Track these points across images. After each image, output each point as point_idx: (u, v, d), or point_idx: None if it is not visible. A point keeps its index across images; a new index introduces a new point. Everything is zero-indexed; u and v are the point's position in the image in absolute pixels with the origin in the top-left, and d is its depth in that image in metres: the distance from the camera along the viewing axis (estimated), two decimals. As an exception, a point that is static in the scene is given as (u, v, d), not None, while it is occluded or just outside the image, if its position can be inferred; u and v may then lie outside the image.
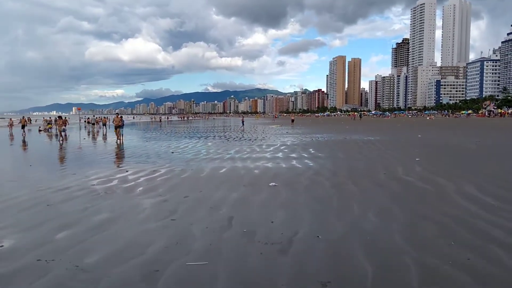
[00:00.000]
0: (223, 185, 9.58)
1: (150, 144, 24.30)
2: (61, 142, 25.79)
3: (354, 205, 7.47)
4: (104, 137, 31.94)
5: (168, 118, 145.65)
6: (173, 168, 12.82)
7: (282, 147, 20.56)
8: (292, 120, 61.57)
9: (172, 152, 18.28)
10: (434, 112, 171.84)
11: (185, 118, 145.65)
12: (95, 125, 46.38)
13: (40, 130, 42.39)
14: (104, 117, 59.44)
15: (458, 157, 15.31)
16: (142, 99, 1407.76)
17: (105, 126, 46.45)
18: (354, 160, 14.48)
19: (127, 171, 12.17)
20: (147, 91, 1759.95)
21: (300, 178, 10.51)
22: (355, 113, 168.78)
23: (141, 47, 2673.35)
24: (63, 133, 28.09)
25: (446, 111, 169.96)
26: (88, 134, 36.07)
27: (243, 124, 45.82)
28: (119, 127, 25.20)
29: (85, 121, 55.29)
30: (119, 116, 26.68)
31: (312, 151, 18.11)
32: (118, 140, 24.60)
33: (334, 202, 7.77)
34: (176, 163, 14.09)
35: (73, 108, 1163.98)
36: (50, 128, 44.64)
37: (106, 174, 11.56)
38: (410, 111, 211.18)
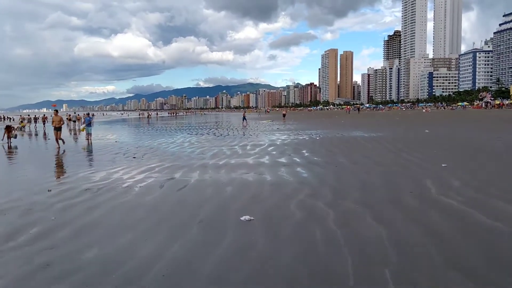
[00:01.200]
0: (166, 223, 6.06)
1: (119, 144, 20.76)
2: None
3: (386, 272, 4.00)
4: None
5: (157, 114, 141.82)
6: (116, 185, 9.28)
7: (270, 148, 17.09)
8: (284, 115, 58.02)
9: (134, 157, 14.72)
10: (429, 104, 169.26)
11: (175, 114, 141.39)
12: (76, 123, 44.33)
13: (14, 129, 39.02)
14: (88, 114, 55.70)
15: (494, 160, 11.91)
16: (133, 95, 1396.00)
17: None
18: (362, 169, 11.02)
19: (49, 190, 8.65)
20: (138, 87, 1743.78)
21: (289, 205, 7.02)
22: (350, 106, 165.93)
23: (131, 43, 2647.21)
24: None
25: (441, 103, 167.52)
26: (70, 132, 33.48)
27: (245, 120, 42.58)
28: (59, 129, 20.05)
29: (67, 118, 52.21)
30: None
31: (306, 154, 14.67)
32: (87, 140, 22.42)
33: (345, 265, 4.28)
34: (129, 175, 10.56)
35: (64, 105, 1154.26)
36: (24, 127, 41.51)
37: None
38: (404, 104, 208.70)
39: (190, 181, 9.64)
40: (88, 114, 26.44)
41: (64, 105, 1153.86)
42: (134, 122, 64.70)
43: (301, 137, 23.27)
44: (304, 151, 15.59)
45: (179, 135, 28.00)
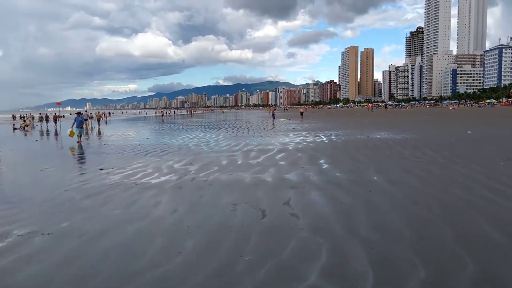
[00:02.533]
0: None
1: (109, 145, 17.63)
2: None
3: None
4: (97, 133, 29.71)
5: (174, 112, 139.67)
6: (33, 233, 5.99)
7: (279, 156, 13.61)
8: (301, 113, 54.06)
9: (106, 172, 11.48)
10: (454, 101, 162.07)
11: (191, 113, 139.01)
12: (88, 121, 41.89)
13: (15, 129, 37.32)
14: (99, 112, 53.98)
15: None
16: (154, 93, 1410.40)
17: (99, 122, 42.56)
18: (408, 194, 7.42)
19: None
20: (159, 86, 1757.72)
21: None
22: (372, 104, 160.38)
23: (152, 42, 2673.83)
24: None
25: (466, 100, 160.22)
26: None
27: (273, 117, 39.31)
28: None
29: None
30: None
31: (324, 165, 11.16)
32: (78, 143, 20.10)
33: None
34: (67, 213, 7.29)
35: (87, 103, 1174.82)
36: (27, 125, 39.65)
37: None
38: (427, 101, 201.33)
39: (139, 225, 6.25)
40: (79, 113, 23.35)
41: (87, 103, 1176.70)
42: (149, 121, 62.14)
43: (319, 140, 19.68)
44: (322, 161, 12.06)
45: (185, 135, 24.89)
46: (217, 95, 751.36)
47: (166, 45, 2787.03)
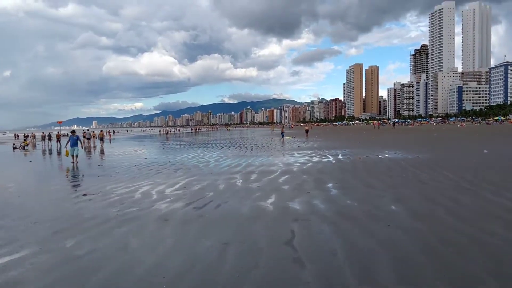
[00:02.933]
0: None
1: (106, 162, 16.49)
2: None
3: None
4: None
5: (179, 130, 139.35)
6: None
7: (282, 179, 12.41)
8: (306, 131, 52.91)
9: (89, 199, 10.31)
10: (461, 119, 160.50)
11: (195, 130, 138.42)
12: (91, 140, 42.16)
13: (15, 148, 36.25)
14: (101, 131, 53.17)
15: None
16: (160, 111, 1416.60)
17: (102, 140, 40.63)
18: (437, 232, 6.18)
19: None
20: (165, 104, 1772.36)
21: None
22: (378, 121, 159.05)
23: (158, 61, 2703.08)
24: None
25: (474, 117, 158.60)
26: (85, 150, 30.55)
27: (283, 136, 38.62)
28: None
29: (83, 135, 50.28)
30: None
31: (333, 191, 9.92)
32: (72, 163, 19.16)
33: None
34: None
35: (93, 122, 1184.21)
36: (27, 145, 38.84)
37: None
38: (434, 119, 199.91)
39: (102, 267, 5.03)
40: (74, 132, 22.19)
41: (94, 122, 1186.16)
42: (153, 139, 61.28)
43: (325, 160, 18.45)
44: (329, 185, 10.84)
45: (185, 154, 23.76)
46: (222, 113, 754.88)
47: (171, 63, 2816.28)
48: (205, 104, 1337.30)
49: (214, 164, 17.79)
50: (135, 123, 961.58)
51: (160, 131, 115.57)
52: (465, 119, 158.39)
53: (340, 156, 20.12)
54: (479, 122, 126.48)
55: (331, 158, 19.11)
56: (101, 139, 41.05)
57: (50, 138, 45.42)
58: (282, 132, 41.56)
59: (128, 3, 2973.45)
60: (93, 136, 44.93)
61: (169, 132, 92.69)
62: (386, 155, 19.95)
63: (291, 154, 22.79)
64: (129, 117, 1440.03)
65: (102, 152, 30.08)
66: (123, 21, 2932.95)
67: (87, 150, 31.60)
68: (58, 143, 41.25)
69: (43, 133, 48.46)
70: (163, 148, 33.47)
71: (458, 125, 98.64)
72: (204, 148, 31.62)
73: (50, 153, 30.27)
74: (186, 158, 21.98)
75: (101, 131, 54.19)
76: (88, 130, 51.46)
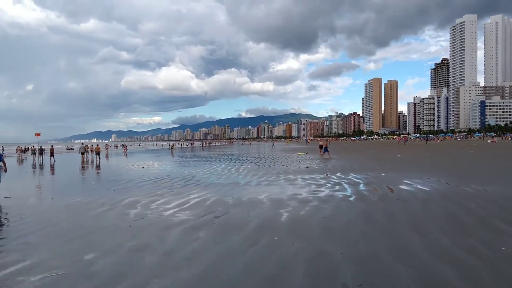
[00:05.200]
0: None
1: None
2: None
3: None
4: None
5: (192, 144, 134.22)
6: None
7: (251, 251, 6.09)
8: (321, 146, 46.10)
9: None
10: (491, 134, 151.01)
11: (204, 145, 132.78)
12: (85, 155, 39.15)
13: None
14: (97, 145, 48.22)
15: None
16: (178, 125, 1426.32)
17: (98, 155, 38.09)
18: None
19: None
20: (183, 118, 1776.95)
21: None
22: (404, 136, 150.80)
23: (175, 75, 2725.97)
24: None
25: (505, 133, 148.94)
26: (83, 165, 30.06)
27: (326, 151, 32.87)
28: None
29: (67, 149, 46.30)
30: None
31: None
32: None
33: None
34: None
35: (113, 135, 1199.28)
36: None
37: None
38: (457, 134, 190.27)
39: None
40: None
41: (113, 135, 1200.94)
42: (156, 153, 56.03)
43: (339, 193, 12.03)
44: (347, 282, 4.51)
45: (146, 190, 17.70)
46: (239, 127, 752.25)
47: (189, 78, 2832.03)
48: (223, 118, 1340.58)
49: (186, 193, 11.58)
50: (154, 137, 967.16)
51: (169, 145, 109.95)
52: (494, 134, 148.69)
53: (361, 186, 13.65)
54: (511, 138, 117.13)
55: (348, 191, 12.66)
56: (97, 153, 38.50)
57: (42, 152, 41.23)
58: (326, 147, 34.86)
59: (147, 19, 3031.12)
60: (91, 151, 42.13)
61: (173, 146, 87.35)
62: (431, 185, 13.38)
63: (293, 179, 16.39)
64: (148, 131, 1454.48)
65: (98, 167, 28.06)
66: (143, 36, 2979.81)
67: (82, 165, 29.72)
68: (52, 157, 37.22)
69: (33, 146, 44.07)
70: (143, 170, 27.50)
71: (489, 141, 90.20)
72: (197, 166, 25.43)
73: (34, 167, 27.63)
74: (159, 188, 15.85)
75: (97, 145, 49.36)
76: (83, 144, 46.54)
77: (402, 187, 13.25)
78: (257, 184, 14.94)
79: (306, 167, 23.55)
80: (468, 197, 10.75)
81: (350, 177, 17.01)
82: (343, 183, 14.83)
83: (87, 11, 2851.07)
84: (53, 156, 37.97)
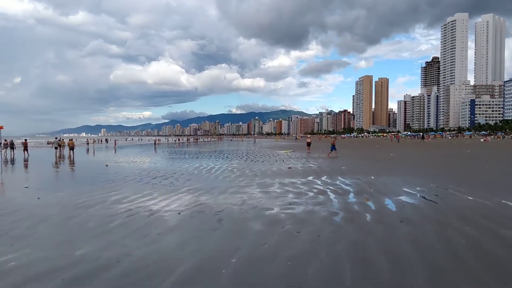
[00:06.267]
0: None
1: None
2: None
3: None
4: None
5: (178, 139, 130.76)
6: None
7: None
8: (308, 144, 43.20)
9: None
10: (483, 132, 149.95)
11: (194, 141, 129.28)
12: (58, 149, 37.05)
13: None
14: (70, 140, 45.17)
15: None
16: (168, 121, 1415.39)
17: (73, 150, 36.41)
18: None
19: None
20: (173, 113, 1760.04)
21: None
22: (397, 134, 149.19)
23: (165, 69, 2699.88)
24: None
25: (496, 131, 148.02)
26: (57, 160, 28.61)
27: (334, 150, 28.86)
28: None
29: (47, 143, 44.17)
30: None
31: None
32: None
33: None
34: None
35: (102, 130, 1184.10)
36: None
37: None
38: (447, 132, 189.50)
39: None
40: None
41: (102, 130, 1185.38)
42: (139, 148, 53.14)
43: (321, 209, 9.08)
44: None
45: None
46: (230, 123, 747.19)
47: (179, 73, 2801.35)
48: (213, 114, 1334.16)
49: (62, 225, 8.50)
50: (144, 132, 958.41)
51: (154, 140, 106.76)
52: (486, 133, 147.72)
53: (351, 197, 10.72)
54: (502, 137, 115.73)
55: (334, 205, 9.68)
56: (71, 148, 36.93)
57: (12, 147, 38.35)
58: (333, 145, 30.81)
59: (136, 11, 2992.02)
60: (61, 145, 39.65)
61: (156, 141, 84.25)
62: (442, 197, 10.49)
63: (268, 185, 13.40)
64: (138, 126, 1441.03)
65: (71, 162, 26.98)
66: (132, 29, 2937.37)
67: (55, 160, 28.54)
68: (26, 152, 34.53)
69: (5, 140, 40.86)
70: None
71: (482, 140, 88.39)
72: (154, 163, 22.33)
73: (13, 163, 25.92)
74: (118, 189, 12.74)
75: (70, 140, 46.46)
76: (56, 138, 43.47)
77: (404, 198, 10.34)
78: (223, 192, 11.92)
79: (289, 167, 20.60)
80: (482, 211, 7.88)
81: (338, 182, 14.07)
82: (328, 191, 11.88)
83: (75, 3, 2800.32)
84: (26, 151, 35.27)
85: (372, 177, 15.21)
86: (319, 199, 10.44)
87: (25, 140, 41.72)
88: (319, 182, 14.12)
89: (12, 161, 27.97)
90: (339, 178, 15.33)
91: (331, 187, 12.65)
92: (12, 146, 38.29)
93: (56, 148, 37.05)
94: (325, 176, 15.92)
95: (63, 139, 48.17)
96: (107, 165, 23.52)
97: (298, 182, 14.19)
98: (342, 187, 12.69)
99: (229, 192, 11.86)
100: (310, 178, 15.45)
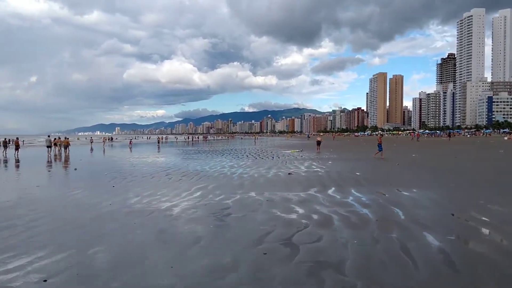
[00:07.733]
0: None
1: None
2: None
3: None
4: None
5: (188, 137, 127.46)
6: None
7: None
8: (318, 143, 38.76)
9: None
10: (505, 130, 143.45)
11: (198, 139, 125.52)
12: (51, 148, 35.44)
13: None
14: (66, 139, 42.62)
15: None
16: (182, 119, 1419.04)
17: (67, 149, 37.51)
18: None
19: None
20: (186, 112, 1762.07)
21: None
22: (417, 132, 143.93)
23: (178, 68, 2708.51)
24: None
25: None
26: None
27: (380, 149, 24.28)
28: None
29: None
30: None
31: None
32: None
33: None
34: None
35: (116, 128, 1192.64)
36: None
37: None
38: (466, 130, 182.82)
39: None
40: None
41: (116, 128, 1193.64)
42: (143, 147, 51.42)
43: (316, 280, 4.99)
44: None
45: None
46: (242, 121, 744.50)
47: (191, 71, 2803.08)
48: (226, 112, 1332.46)
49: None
50: (157, 130, 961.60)
51: (158, 139, 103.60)
52: (507, 130, 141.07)
53: (372, 230, 6.55)
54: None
55: (342, 249, 5.56)
56: (65, 147, 37.55)
57: (5, 145, 36.07)
58: (380, 143, 26.19)
59: (150, 10, 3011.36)
60: (55, 144, 38.28)
61: (161, 140, 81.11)
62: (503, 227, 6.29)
63: (249, 204, 9.32)
64: (151, 124, 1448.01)
65: (65, 161, 26.27)
66: (146, 28, 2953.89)
67: (49, 159, 28.26)
68: (16, 151, 33.12)
69: (5, 139, 38.54)
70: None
71: (505, 138, 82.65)
72: (146, 164, 18.44)
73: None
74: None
75: (66, 138, 43.95)
76: (49, 136, 40.82)
77: (464, 233, 6.14)
78: (174, 218, 7.88)
79: (289, 173, 16.47)
80: None
81: (350, 199, 9.91)
82: (334, 219, 7.73)
83: (90, 2, 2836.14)
84: (17, 150, 33.75)
85: (398, 190, 11.00)
86: (318, 240, 6.30)
87: (17, 138, 39.62)
88: (323, 199, 9.96)
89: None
90: (352, 191, 11.16)
91: (340, 210, 8.50)
92: (5, 145, 36.14)
93: (48, 147, 35.06)
94: (333, 188, 11.76)
95: (59, 138, 45.78)
96: (75, 169, 19.89)
97: (294, 198, 10.07)
98: (357, 210, 8.53)
99: (184, 219, 7.80)
100: (313, 191, 11.31)
